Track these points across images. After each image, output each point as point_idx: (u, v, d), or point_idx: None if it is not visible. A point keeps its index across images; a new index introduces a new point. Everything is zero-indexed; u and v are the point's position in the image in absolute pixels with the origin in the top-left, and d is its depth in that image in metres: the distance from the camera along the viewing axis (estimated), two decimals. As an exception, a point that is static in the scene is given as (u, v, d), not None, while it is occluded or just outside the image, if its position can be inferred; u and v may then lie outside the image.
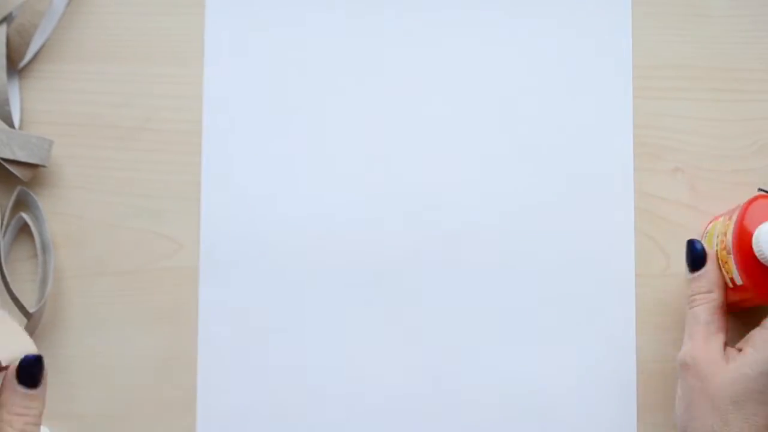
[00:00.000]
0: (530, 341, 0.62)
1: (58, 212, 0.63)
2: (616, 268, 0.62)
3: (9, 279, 0.61)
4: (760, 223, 0.56)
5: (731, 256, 0.57)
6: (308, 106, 0.64)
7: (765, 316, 0.60)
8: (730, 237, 0.57)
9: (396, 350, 0.62)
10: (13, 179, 0.63)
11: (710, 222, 0.62)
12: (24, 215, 0.62)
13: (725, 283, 0.58)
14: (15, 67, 0.63)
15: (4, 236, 0.62)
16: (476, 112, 0.64)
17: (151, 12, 0.64)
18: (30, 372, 0.48)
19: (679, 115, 0.64)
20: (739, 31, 0.64)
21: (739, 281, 0.57)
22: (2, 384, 0.48)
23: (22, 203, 0.63)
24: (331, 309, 0.62)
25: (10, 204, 0.62)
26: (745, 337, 0.56)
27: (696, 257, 0.58)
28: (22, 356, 0.48)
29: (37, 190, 0.63)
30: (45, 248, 0.62)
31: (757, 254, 0.55)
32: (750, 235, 0.56)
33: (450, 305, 0.62)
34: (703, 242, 0.59)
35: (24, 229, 0.63)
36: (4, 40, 0.62)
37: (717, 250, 0.59)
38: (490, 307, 0.62)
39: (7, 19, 0.63)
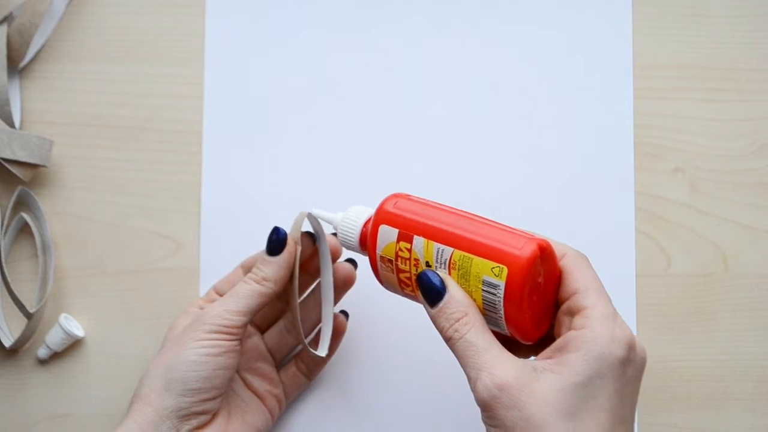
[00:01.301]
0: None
1: (59, 212, 0.63)
2: (616, 267, 0.62)
3: (10, 279, 0.61)
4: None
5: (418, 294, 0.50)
6: (308, 106, 0.64)
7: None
8: (407, 276, 0.51)
9: (392, 351, 0.62)
10: (13, 179, 0.63)
11: (377, 223, 0.52)
12: (24, 215, 0.62)
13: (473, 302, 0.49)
14: (16, 67, 0.64)
15: (4, 236, 0.62)
16: (476, 112, 0.64)
17: (151, 12, 0.64)
18: (271, 240, 0.55)
19: (680, 115, 0.64)
20: (740, 31, 0.64)
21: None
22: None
23: (23, 203, 0.63)
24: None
25: (11, 204, 0.62)
26: (552, 346, 0.47)
27: (436, 290, 0.49)
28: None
29: (38, 190, 0.63)
30: (45, 248, 0.62)
31: (348, 247, 0.53)
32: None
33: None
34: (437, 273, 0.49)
35: (24, 229, 0.63)
36: (4, 40, 0.62)
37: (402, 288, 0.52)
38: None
39: (8, 19, 0.63)
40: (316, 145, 0.64)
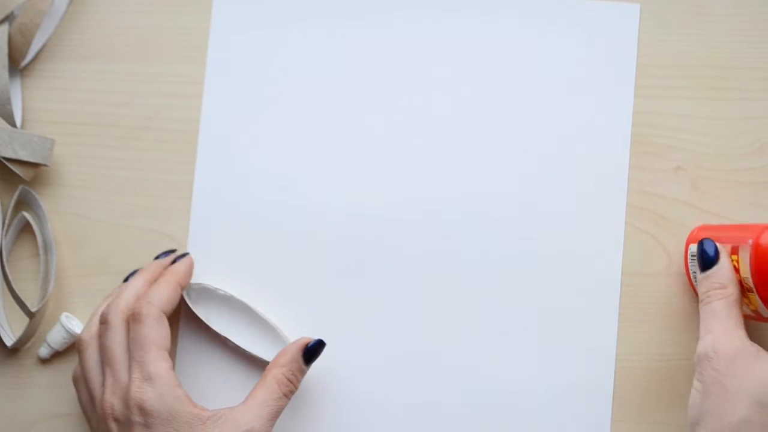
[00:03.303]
0: (529, 340, 0.62)
1: (60, 211, 0.63)
2: (617, 267, 0.62)
3: (11, 278, 0.61)
4: None
5: (755, 293, 0.55)
6: (309, 107, 0.64)
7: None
8: (747, 274, 0.55)
9: (377, 345, 0.62)
10: (15, 178, 0.63)
11: (689, 242, 0.62)
12: (26, 214, 0.62)
13: (739, 281, 0.55)
14: (17, 66, 0.64)
15: (6, 235, 0.62)
16: (473, 108, 0.64)
17: (153, 11, 0.64)
18: (314, 352, 0.58)
19: (681, 114, 0.64)
20: (741, 30, 0.64)
21: (766, 314, 0.56)
22: (285, 351, 0.58)
23: (24, 202, 0.63)
24: (328, 308, 0.62)
25: (12, 203, 0.62)
26: None
27: (709, 257, 0.56)
28: (314, 339, 0.58)
29: (39, 189, 0.63)
30: (47, 247, 0.62)
31: None
32: None
33: (447, 302, 0.62)
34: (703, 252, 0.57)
35: (26, 228, 0.63)
36: (6, 39, 0.62)
37: None
38: (491, 307, 0.62)
39: (9, 18, 0.63)
40: (316, 145, 0.64)
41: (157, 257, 0.61)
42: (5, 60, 0.62)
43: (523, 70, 0.64)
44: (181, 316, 0.62)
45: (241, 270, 0.62)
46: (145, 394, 0.53)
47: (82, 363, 0.57)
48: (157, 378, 0.54)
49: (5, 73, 0.62)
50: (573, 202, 0.63)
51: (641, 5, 0.65)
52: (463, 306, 0.62)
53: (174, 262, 0.60)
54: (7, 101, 0.62)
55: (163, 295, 0.57)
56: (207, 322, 0.60)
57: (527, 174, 0.63)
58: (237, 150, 0.63)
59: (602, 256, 0.63)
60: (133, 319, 0.56)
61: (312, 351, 0.58)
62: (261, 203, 0.63)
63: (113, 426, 0.54)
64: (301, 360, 0.57)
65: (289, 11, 0.65)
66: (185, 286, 0.60)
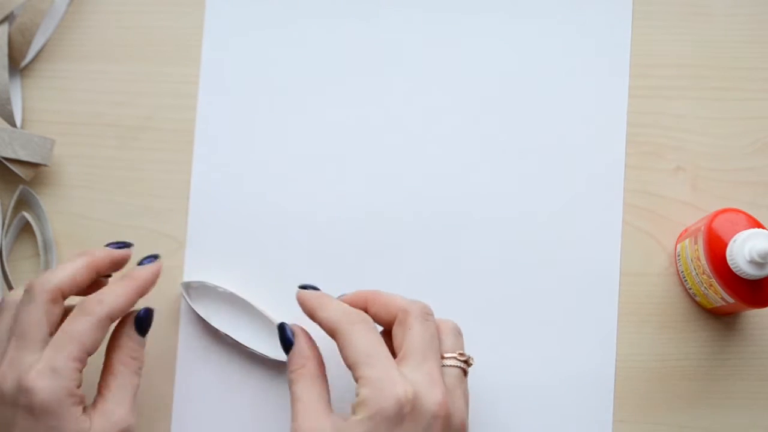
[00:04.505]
0: (529, 340, 0.62)
1: (60, 211, 0.63)
2: (617, 267, 0.62)
3: (11, 278, 0.61)
4: (727, 240, 0.56)
5: (713, 279, 0.57)
6: (304, 104, 0.64)
7: (747, 317, 0.61)
8: (704, 261, 0.57)
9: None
10: (15, 178, 0.63)
11: (677, 242, 0.62)
12: (26, 214, 0.62)
13: (319, 355, 0.56)
14: (17, 66, 0.64)
15: (6, 235, 0.62)
16: (469, 108, 0.64)
17: (152, 11, 0.65)
18: (145, 322, 0.56)
19: (681, 114, 0.64)
20: (740, 29, 0.64)
21: (730, 300, 0.57)
22: (117, 331, 0.55)
23: (24, 202, 0.63)
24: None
25: (12, 203, 0.62)
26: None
27: (288, 340, 0.56)
28: (142, 308, 0.56)
29: (39, 189, 0.63)
30: (47, 247, 0.62)
31: (736, 272, 0.55)
32: (722, 255, 0.56)
33: (446, 302, 0.62)
34: None
35: (26, 229, 0.63)
36: (6, 39, 0.62)
37: (697, 274, 0.59)
38: (490, 307, 0.62)
39: (9, 18, 0.63)
40: (315, 145, 0.64)
41: (139, 263, 0.58)
42: (5, 60, 0.62)
43: (520, 68, 0.64)
44: (181, 314, 0.62)
45: (241, 267, 0.62)
46: (44, 383, 0.50)
47: None
48: (63, 375, 0.51)
49: (5, 73, 0.62)
50: (571, 202, 0.63)
51: (641, 5, 0.65)
52: (462, 306, 0.62)
53: (141, 263, 0.58)
54: (7, 101, 0.62)
55: (119, 303, 0.54)
56: (207, 320, 0.61)
57: (526, 173, 0.63)
58: (234, 149, 0.64)
59: (600, 256, 0.63)
60: (80, 310, 0.52)
61: (142, 321, 0.56)
62: (259, 202, 0.63)
63: None
64: (135, 334, 0.55)
65: (284, 10, 0.65)
66: (145, 293, 0.56)
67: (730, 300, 0.57)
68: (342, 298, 0.57)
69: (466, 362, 0.55)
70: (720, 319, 0.62)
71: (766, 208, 0.63)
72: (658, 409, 0.61)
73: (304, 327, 0.57)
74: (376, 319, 0.56)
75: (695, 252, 0.58)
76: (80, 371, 0.52)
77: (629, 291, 0.62)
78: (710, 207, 0.63)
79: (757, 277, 0.55)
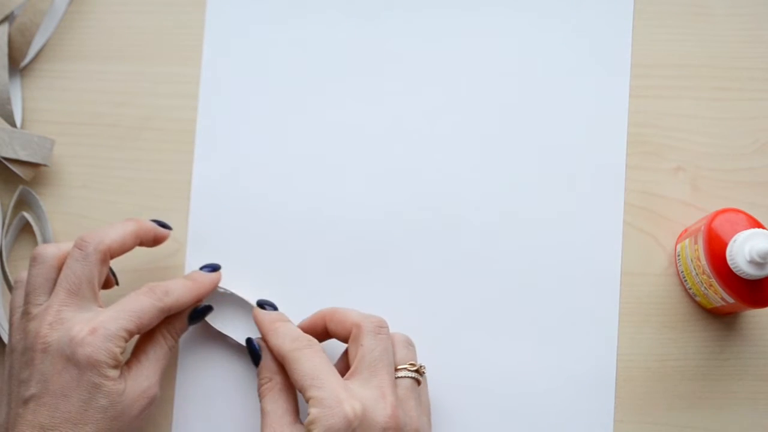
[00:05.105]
0: (530, 340, 0.62)
1: (60, 211, 0.63)
2: (618, 267, 0.62)
3: (11, 278, 0.61)
4: (727, 240, 0.56)
5: (713, 279, 0.57)
6: (305, 103, 0.64)
7: (747, 317, 0.61)
8: (704, 261, 0.57)
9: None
10: (14, 178, 0.63)
11: (677, 242, 0.62)
12: (26, 214, 0.62)
13: (284, 369, 0.56)
14: (17, 66, 0.64)
15: (6, 235, 0.62)
16: (470, 107, 0.64)
17: (152, 11, 0.65)
18: (200, 314, 0.59)
19: (681, 114, 0.64)
20: (741, 29, 0.64)
21: (730, 300, 0.57)
22: (176, 314, 0.58)
23: (24, 202, 0.63)
24: (328, 304, 0.62)
25: (12, 203, 0.62)
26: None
27: (256, 353, 0.58)
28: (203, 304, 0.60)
29: (39, 189, 0.63)
30: (47, 247, 0.62)
31: (736, 272, 0.55)
32: (722, 255, 0.56)
33: (446, 302, 0.62)
34: None
35: (26, 229, 0.63)
36: (6, 39, 0.62)
37: (697, 274, 0.59)
38: (490, 307, 0.62)
39: (9, 18, 0.63)
40: (315, 145, 0.64)
41: (201, 268, 0.61)
42: (5, 60, 0.62)
43: (521, 68, 0.64)
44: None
45: (241, 268, 0.62)
46: (95, 341, 0.52)
47: (32, 275, 0.55)
48: (113, 340, 0.53)
49: (5, 73, 0.62)
50: (571, 202, 0.63)
51: (642, 5, 0.65)
52: (462, 306, 0.62)
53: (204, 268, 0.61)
54: (7, 101, 0.62)
55: (183, 297, 0.57)
56: (208, 320, 0.61)
57: (526, 173, 0.63)
58: (235, 149, 0.64)
59: (601, 256, 0.63)
60: (148, 292, 0.55)
61: (199, 311, 0.59)
62: (260, 202, 0.63)
63: (24, 344, 0.53)
64: (185, 319, 0.59)
65: (284, 10, 0.65)
66: (203, 298, 0.59)
67: (730, 300, 0.57)
68: (302, 323, 0.59)
69: (418, 371, 0.56)
70: (720, 319, 0.62)
71: (766, 208, 0.63)
72: (659, 409, 0.62)
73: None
74: (335, 336, 0.58)
75: (695, 252, 0.58)
76: (126, 342, 0.54)
77: (629, 291, 0.62)
78: (710, 207, 0.63)
79: (757, 277, 0.55)
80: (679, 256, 0.61)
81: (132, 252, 0.60)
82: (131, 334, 0.54)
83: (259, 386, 0.57)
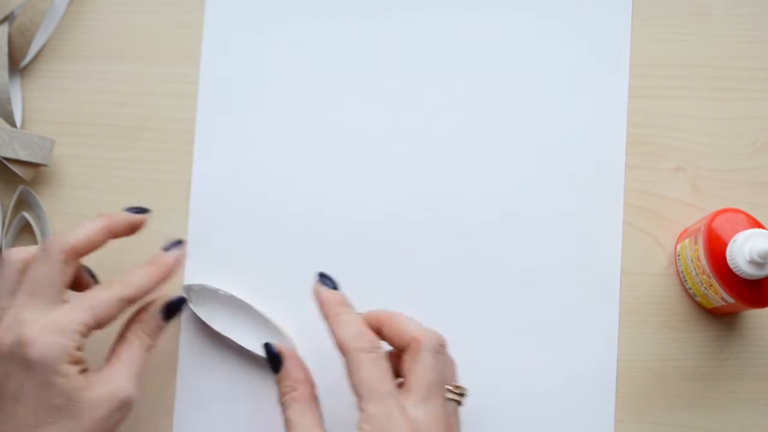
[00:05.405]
0: (530, 341, 0.62)
1: (60, 211, 0.63)
2: (618, 267, 0.62)
3: (11, 278, 0.61)
4: (727, 240, 0.56)
5: (713, 279, 0.57)
6: (305, 103, 0.64)
7: (747, 317, 0.61)
8: (704, 261, 0.57)
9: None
10: (15, 178, 0.63)
11: (677, 242, 0.62)
12: (26, 214, 0.62)
13: (309, 377, 0.55)
14: (17, 66, 0.64)
15: (6, 235, 0.62)
16: (470, 108, 0.64)
17: (152, 11, 0.65)
18: (174, 309, 0.57)
19: (681, 114, 0.64)
20: (740, 29, 0.64)
21: (730, 300, 0.57)
22: (143, 309, 0.56)
23: (24, 202, 0.63)
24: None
25: (12, 203, 0.62)
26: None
27: (275, 359, 0.56)
28: (176, 296, 0.57)
29: (39, 189, 0.63)
30: (47, 247, 0.62)
31: (736, 272, 0.55)
32: (722, 255, 0.56)
33: (446, 302, 0.62)
34: None
35: (26, 229, 0.63)
36: (6, 39, 0.62)
37: (697, 274, 0.59)
38: (491, 307, 0.62)
39: (9, 18, 0.63)
40: (315, 145, 0.64)
41: (164, 248, 0.58)
42: (5, 60, 0.62)
43: (520, 69, 0.64)
44: (183, 317, 0.62)
45: (241, 269, 0.62)
46: (44, 339, 0.50)
47: None
48: (66, 335, 0.51)
49: (5, 73, 0.62)
50: (571, 202, 0.63)
51: (641, 5, 0.65)
52: (462, 306, 0.62)
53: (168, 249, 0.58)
54: (7, 101, 0.62)
55: (142, 285, 0.54)
56: (208, 323, 0.61)
57: (526, 173, 0.63)
58: (235, 149, 0.64)
59: (601, 256, 0.63)
60: (103, 286, 0.54)
61: (171, 306, 0.57)
62: (260, 202, 0.63)
63: None
64: (159, 316, 0.56)
65: (284, 9, 0.65)
66: (168, 278, 0.56)
67: (730, 300, 0.57)
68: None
69: (462, 395, 0.55)
70: (720, 319, 0.62)
71: (766, 208, 0.63)
72: (659, 409, 0.62)
73: (292, 349, 0.57)
74: (389, 342, 0.55)
75: (695, 252, 0.58)
76: (84, 336, 0.52)
77: (630, 291, 0.62)
78: (710, 207, 0.63)
79: (757, 277, 0.55)
80: (679, 256, 0.61)
81: (131, 252, 0.60)
82: (89, 327, 0.52)
83: (282, 395, 0.55)
